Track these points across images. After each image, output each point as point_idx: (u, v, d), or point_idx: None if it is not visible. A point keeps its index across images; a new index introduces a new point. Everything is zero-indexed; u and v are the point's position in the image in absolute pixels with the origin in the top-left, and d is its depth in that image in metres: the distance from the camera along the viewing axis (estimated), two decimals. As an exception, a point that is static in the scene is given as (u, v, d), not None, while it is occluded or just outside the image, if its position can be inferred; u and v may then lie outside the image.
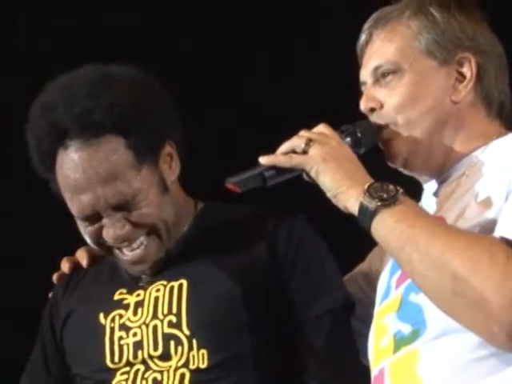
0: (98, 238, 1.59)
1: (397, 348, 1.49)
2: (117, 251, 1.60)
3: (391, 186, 1.41)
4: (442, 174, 1.56)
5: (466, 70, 1.54)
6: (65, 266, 1.76)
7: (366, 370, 1.62)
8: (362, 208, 1.41)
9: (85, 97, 1.53)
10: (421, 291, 1.41)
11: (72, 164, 1.54)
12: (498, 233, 1.35)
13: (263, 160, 1.49)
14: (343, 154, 1.47)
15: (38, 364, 1.73)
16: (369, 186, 1.40)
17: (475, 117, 1.56)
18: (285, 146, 1.50)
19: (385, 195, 1.40)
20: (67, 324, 1.71)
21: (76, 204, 1.55)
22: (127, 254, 1.60)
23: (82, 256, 1.74)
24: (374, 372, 1.56)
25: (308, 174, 1.49)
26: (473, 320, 1.34)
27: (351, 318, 1.64)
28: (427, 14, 1.55)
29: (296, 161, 1.48)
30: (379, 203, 1.39)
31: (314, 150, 1.47)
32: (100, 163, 1.53)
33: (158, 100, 1.62)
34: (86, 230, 1.59)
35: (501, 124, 1.56)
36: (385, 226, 1.41)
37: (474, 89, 1.54)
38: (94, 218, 1.57)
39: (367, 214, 1.40)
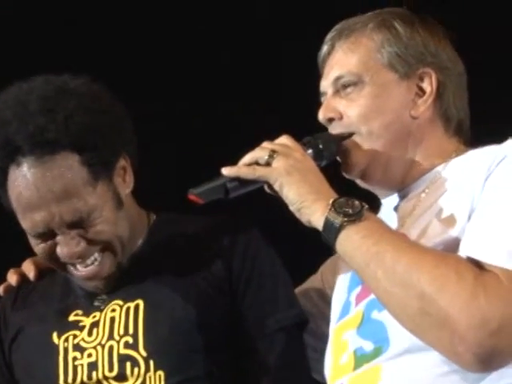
0: (51, 254, 1.55)
1: (358, 365, 1.48)
2: (70, 267, 1.56)
3: (356, 202, 1.40)
4: (401, 190, 1.57)
5: (426, 85, 1.55)
6: (12, 278, 1.70)
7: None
8: (327, 223, 1.39)
9: (38, 112, 1.48)
10: (385, 308, 1.39)
11: (25, 181, 1.49)
12: (464, 252, 1.36)
13: (226, 171, 1.46)
14: (307, 167, 1.45)
15: None
16: (333, 201, 1.39)
17: (434, 133, 1.56)
18: (248, 158, 1.47)
19: (350, 211, 1.38)
20: (17, 341, 1.66)
21: (29, 221, 1.50)
22: (81, 270, 1.55)
23: (28, 268, 1.68)
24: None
25: (271, 187, 1.46)
26: (438, 339, 1.34)
27: (304, 334, 1.62)
28: (391, 28, 1.55)
29: (259, 173, 1.45)
30: (345, 219, 1.37)
31: (277, 163, 1.45)
32: (54, 181, 1.49)
33: (112, 113, 1.58)
34: (38, 247, 1.55)
35: (459, 141, 1.57)
36: (350, 242, 1.39)
37: (434, 105, 1.55)
38: (47, 235, 1.53)
39: (332, 230, 1.39)
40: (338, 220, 1.38)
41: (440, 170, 1.54)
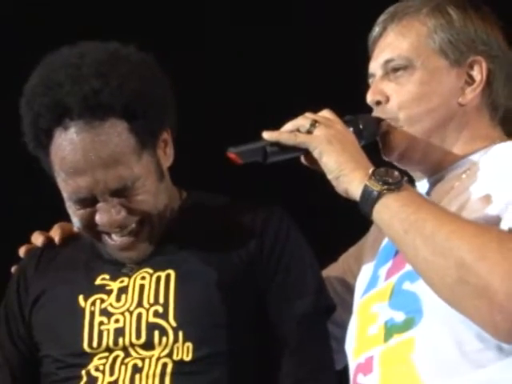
0: (88, 221, 1.55)
1: (388, 336, 1.50)
2: (105, 236, 1.57)
3: (396, 173, 1.43)
4: (437, 173, 1.60)
5: (476, 73, 1.57)
6: (38, 239, 1.70)
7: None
8: (366, 191, 1.42)
9: (93, 75, 1.48)
10: (420, 278, 1.41)
11: (71, 145, 1.49)
12: (507, 225, 1.37)
13: (267, 135, 1.49)
14: (347, 138, 1.49)
15: (2, 336, 1.68)
16: (373, 171, 1.42)
17: (479, 120, 1.59)
18: (290, 125, 1.50)
19: (390, 180, 1.41)
20: (39, 303, 1.66)
21: (71, 186, 1.51)
22: (116, 240, 1.56)
23: (55, 232, 1.69)
24: (357, 361, 1.56)
25: (308, 157, 1.50)
26: (476, 308, 1.34)
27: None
28: (444, 14, 1.58)
29: (301, 139, 1.48)
30: (384, 187, 1.40)
31: (319, 131, 1.48)
32: (102, 147, 1.49)
33: (161, 84, 1.59)
34: (76, 213, 1.55)
35: (503, 130, 1.58)
36: (389, 210, 1.41)
37: (482, 93, 1.58)
38: (88, 201, 1.53)
39: (370, 198, 1.41)
40: (377, 188, 1.41)
41: (481, 155, 1.56)
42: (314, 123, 1.51)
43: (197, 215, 1.69)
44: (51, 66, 1.55)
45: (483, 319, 1.35)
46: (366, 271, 1.67)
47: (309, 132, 1.50)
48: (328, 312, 1.64)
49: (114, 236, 1.57)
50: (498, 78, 1.59)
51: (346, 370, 1.68)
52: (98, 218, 1.52)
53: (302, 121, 1.51)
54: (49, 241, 1.70)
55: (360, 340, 1.59)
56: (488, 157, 1.56)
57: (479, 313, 1.35)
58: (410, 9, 1.60)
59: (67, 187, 1.52)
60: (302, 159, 1.53)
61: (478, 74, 1.58)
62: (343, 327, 1.64)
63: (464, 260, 1.35)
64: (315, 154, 1.48)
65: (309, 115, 1.52)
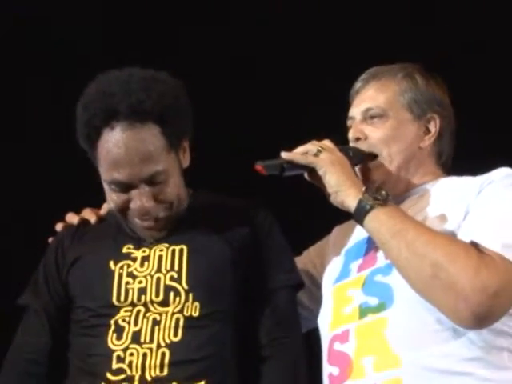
0: (122, 205, 1.88)
1: (363, 314, 1.85)
2: (134, 218, 1.91)
3: (384, 191, 1.81)
4: (399, 196, 1.97)
5: (431, 126, 2.00)
6: (73, 219, 2.02)
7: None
8: (360, 204, 1.79)
9: (139, 89, 1.84)
10: (393, 273, 1.79)
11: (116, 141, 1.81)
12: (469, 238, 1.73)
13: (284, 155, 1.85)
14: (345, 163, 1.87)
15: (40, 286, 1.98)
16: (366, 188, 1.80)
17: (430, 161, 2.01)
18: (301, 148, 1.87)
19: (379, 196, 1.79)
20: (75, 265, 1.97)
21: (113, 174, 1.84)
22: (142, 222, 1.91)
23: (89, 215, 2.02)
24: (333, 332, 1.92)
25: (311, 174, 1.87)
26: (444, 299, 1.69)
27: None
28: (413, 79, 2.00)
29: (310, 160, 1.85)
30: (375, 202, 1.78)
31: (324, 155, 1.85)
32: (141, 143, 1.83)
33: (186, 103, 1.95)
34: (113, 197, 1.89)
35: (443, 170, 2.03)
36: (378, 220, 1.78)
37: (434, 142, 2.00)
38: (124, 187, 1.86)
39: (364, 209, 1.78)
40: (369, 202, 1.78)
41: (431, 185, 1.97)
42: (320, 149, 1.87)
43: (202, 206, 2.04)
44: (106, 80, 1.89)
45: (449, 308, 1.69)
46: (334, 264, 2.03)
47: (315, 155, 1.86)
48: (298, 287, 2.01)
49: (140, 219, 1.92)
50: (446, 132, 2.02)
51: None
52: (132, 204, 1.86)
53: (311, 146, 1.87)
54: (82, 220, 2.02)
55: (336, 316, 1.93)
56: (436, 187, 1.96)
57: (446, 303, 1.69)
58: (388, 72, 2.02)
59: (109, 175, 1.84)
60: (306, 176, 1.87)
61: (433, 127, 2.00)
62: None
63: (438, 261, 1.69)
64: (320, 172, 1.84)
65: (315, 142, 1.88)
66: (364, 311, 1.86)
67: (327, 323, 1.95)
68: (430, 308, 1.73)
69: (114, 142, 1.82)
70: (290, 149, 1.89)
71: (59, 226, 2.03)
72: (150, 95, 1.85)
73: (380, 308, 1.84)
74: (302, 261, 2.16)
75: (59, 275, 1.99)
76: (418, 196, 1.97)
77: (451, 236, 1.78)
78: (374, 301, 1.85)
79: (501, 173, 1.85)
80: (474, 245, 1.72)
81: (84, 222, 2.03)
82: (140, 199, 1.87)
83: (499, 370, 1.75)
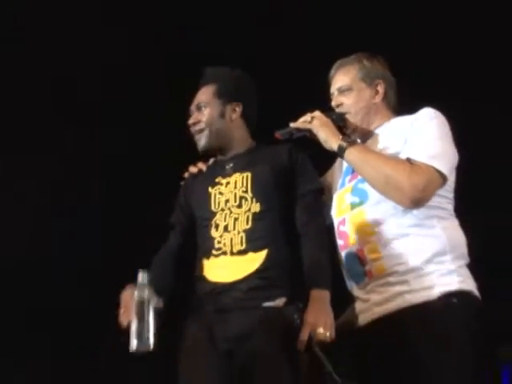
0: (189, 123, 2.97)
1: (352, 208, 2.78)
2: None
3: (353, 137, 2.79)
4: (366, 136, 2.89)
5: (379, 88, 2.93)
6: (194, 169, 3.05)
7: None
8: (341, 146, 2.71)
9: (228, 72, 3.04)
10: (366, 182, 2.66)
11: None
12: (405, 155, 2.60)
13: (292, 124, 2.91)
14: (329, 124, 2.83)
15: (177, 211, 3.06)
16: (342, 137, 2.75)
17: (383, 110, 2.93)
18: (301, 119, 2.91)
19: (350, 140, 2.72)
20: (193, 192, 3.02)
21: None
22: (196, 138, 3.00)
23: (202, 165, 3.05)
24: (338, 219, 2.84)
25: (311, 134, 2.80)
26: (394, 195, 2.59)
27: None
28: (362, 62, 2.95)
29: (307, 125, 2.84)
30: (348, 144, 2.71)
31: (315, 121, 2.82)
32: (204, 89, 3.05)
33: (250, 87, 3.07)
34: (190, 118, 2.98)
35: (393, 112, 2.94)
36: (353, 154, 2.69)
37: (383, 98, 2.93)
38: (191, 113, 2.99)
39: (341, 149, 2.71)
40: (345, 144, 2.71)
41: (386, 124, 2.87)
42: (313, 118, 2.82)
43: (259, 149, 3.00)
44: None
45: (397, 199, 2.59)
46: (338, 179, 2.94)
47: (310, 122, 2.80)
48: (321, 192, 2.88)
49: (196, 137, 2.98)
50: (389, 90, 2.95)
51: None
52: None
53: (307, 116, 2.84)
54: (198, 169, 3.07)
55: (338, 210, 2.86)
56: (388, 125, 2.86)
57: (394, 197, 2.59)
58: (347, 61, 2.98)
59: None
60: (308, 135, 2.83)
61: (380, 89, 2.93)
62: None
63: (386, 173, 2.57)
64: (314, 132, 2.78)
65: (309, 114, 2.83)
66: (352, 206, 2.81)
67: (334, 214, 2.90)
68: (387, 200, 2.65)
69: None
70: (295, 120, 2.96)
71: (186, 174, 3.05)
72: (231, 75, 3.05)
73: (360, 203, 2.77)
74: (323, 180, 3.04)
75: (186, 200, 3.04)
76: (378, 134, 2.89)
77: (395, 157, 2.68)
78: (356, 199, 2.81)
79: (424, 111, 2.76)
80: (409, 160, 2.61)
81: (199, 171, 3.06)
82: (191, 118, 2.98)
83: (430, 229, 2.66)
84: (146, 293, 2.52)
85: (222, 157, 3.05)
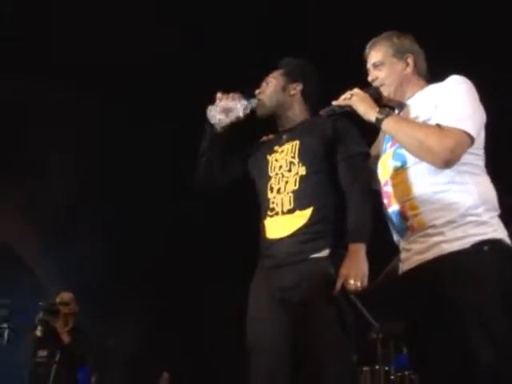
0: None
1: (394, 170, 3.09)
2: None
3: (387, 109, 3.18)
4: (401, 105, 3.22)
5: (410, 61, 3.23)
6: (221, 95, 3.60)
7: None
8: (378, 118, 3.04)
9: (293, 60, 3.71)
10: (405, 148, 2.96)
11: None
12: (436, 121, 2.88)
13: (334, 102, 3.31)
14: (367, 98, 3.24)
15: (241, 154, 3.72)
16: (379, 109, 3.15)
17: (415, 80, 3.22)
18: (342, 96, 3.31)
19: (386, 112, 3.06)
20: (255, 158, 3.64)
21: None
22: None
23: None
24: (383, 180, 3.14)
25: (352, 109, 3.14)
26: (427, 156, 2.87)
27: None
28: (392, 40, 3.31)
29: (348, 102, 3.24)
30: (384, 115, 3.04)
31: (354, 97, 3.21)
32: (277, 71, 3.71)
33: (312, 73, 3.61)
34: None
35: (425, 80, 3.23)
36: (389, 124, 3.00)
37: (413, 69, 3.23)
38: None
39: (380, 120, 3.04)
40: (381, 116, 3.04)
41: (420, 93, 3.15)
42: (352, 94, 3.18)
43: (310, 120, 3.57)
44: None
45: (430, 161, 2.86)
46: (381, 146, 3.28)
47: (350, 99, 3.15)
48: (367, 155, 3.35)
49: None
50: (419, 61, 3.24)
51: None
52: None
53: (347, 94, 3.23)
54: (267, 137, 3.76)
55: (383, 173, 3.17)
56: (422, 94, 3.13)
57: (428, 158, 2.87)
58: (379, 39, 3.36)
59: None
60: (349, 110, 3.22)
61: (410, 61, 3.22)
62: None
63: (419, 138, 2.86)
64: (354, 107, 3.13)
65: (349, 91, 3.22)
66: (394, 169, 3.12)
67: (380, 176, 3.23)
68: (422, 162, 2.94)
69: None
70: (336, 98, 3.35)
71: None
72: (288, 60, 3.64)
73: (400, 167, 3.08)
74: (371, 150, 3.46)
75: (247, 159, 3.68)
76: (412, 102, 3.18)
77: (427, 123, 2.97)
78: (397, 163, 3.11)
79: (451, 78, 3.04)
80: (439, 125, 2.89)
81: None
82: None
83: (463, 185, 2.93)
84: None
85: (281, 128, 3.60)
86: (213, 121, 3.42)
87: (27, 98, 6.31)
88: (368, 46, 3.36)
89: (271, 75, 3.63)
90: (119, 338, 7.43)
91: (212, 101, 3.49)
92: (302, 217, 3.26)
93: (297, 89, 3.62)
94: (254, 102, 3.50)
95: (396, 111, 3.20)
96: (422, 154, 2.92)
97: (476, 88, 3.01)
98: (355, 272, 3.06)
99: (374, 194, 3.24)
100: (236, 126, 3.50)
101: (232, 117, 3.42)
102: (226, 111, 3.41)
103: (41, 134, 6.69)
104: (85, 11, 5.44)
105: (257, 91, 3.57)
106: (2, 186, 6.98)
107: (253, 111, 3.51)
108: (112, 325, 7.11)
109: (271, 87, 3.58)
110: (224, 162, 3.59)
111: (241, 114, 3.41)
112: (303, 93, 3.62)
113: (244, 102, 3.44)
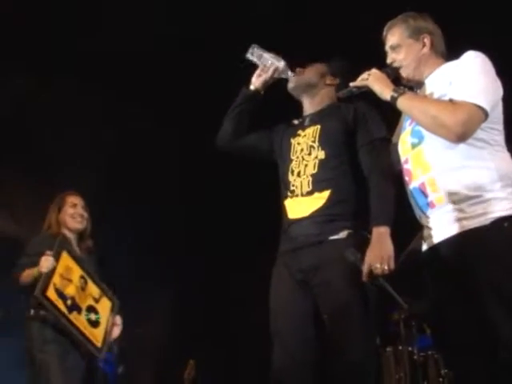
0: None
1: (413, 147, 3.17)
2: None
3: (402, 87, 3.24)
4: (419, 84, 3.29)
5: (426, 41, 3.30)
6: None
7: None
8: (393, 96, 3.13)
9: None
10: (419, 125, 3.07)
11: None
12: (450, 96, 2.94)
13: (352, 84, 3.40)
14: (384, 78, 3.31)
15: (267, 132, 3.88)
16: (394, 88, 3.23)
17: (432, 59, 3.28)
18: (360, 77, 3.39)
19: (401, 91, 3.17)
20: (279, 140, 3.76)
21: None
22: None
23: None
24: (404, 157, 3.20)
25: (369, 89, 3.28)
26: (441, 131, 2.95)
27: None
28: (408, 21, 3.40)
29: (365, 82, 3.35)
30: (399, 93, 3.13)
31: (371, 77, 3.31)
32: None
33: (351, 75, 3.54)
34: None
35: (443, 59, 3.27)
36: (403, 103, 3.09)
37: (430, 48, 3.29)
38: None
39: (395, 98, 3.12)
40: (396, 94, 3.13)
41: (437, 72, 3.22)
42: (369, 75, 3.30)
43: (333, 106, 3.68)
44: None
45: (445, 135, 2.93)
46: (401, 126, 3.39)
47: (367, 79, 3.27)
48: (387, 139, 3.43)
49: None
50: (436, 41, 3.31)
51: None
52: None
53: (364, 75, 3.35)
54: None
55: (403, 150, 3.24)
56: (438, 72, 3.20)
57: (442, 132, 2.93)
58: (395, 22, 3.44)
59: None
60: (367, 90, 3.36)
61: (428, 41, 3.28)
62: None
63: (433, 114, 2.93)
64: (371, 87, 3.23)
65: (367, 72, 3.32)
66: (413, 146, 3.19)
67: (400, 153, 3.28)
68: (438, 138, 2.99)
69: None
70: (354, 80, 3.43)
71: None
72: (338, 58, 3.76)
73: (419, 143, 3.16)
74: (396, 132, 3.50)
75: (271, 139, 3.82)
76: (430, 81, 3.26)
77: (440, 99, 3.06)
78: (415, 140, 3.19)
79: (466, 55, 3.09)
80: (451, 100, 2.97)
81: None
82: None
83: (481, 161, 2.98)
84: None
85: (305, 112, 3.72)
86: (249, 53, 3.67)
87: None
88: (385, 29, 3.41)
89: (317, 63, 3.77)
90: (147, 326, 7.52)
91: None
92: (321, 198, 3.34)
93: (333, 82, 3.75)
94: (290, 73, 3.66)
95: (416, 90, 3.26)
96: (436, 129, 2.96)
97: (496, 63, 3.03)
98: (381, 255, 3.11)
99: (395, 179, 3.30)
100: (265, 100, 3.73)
101: (265, 64, 3.66)
102: (265, 59, 3.67)
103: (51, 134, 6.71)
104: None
105: (298, 69, 3.68)
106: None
107: (279, 84, 3.74)
108: (140, 313, 7.20)
109: (313, 69, 3.72)
110: (245, 129, 3.77)
111: (271, 71, 3.67)
112: (338, 88, 3.68)
113: (284, 67, 3.65)
